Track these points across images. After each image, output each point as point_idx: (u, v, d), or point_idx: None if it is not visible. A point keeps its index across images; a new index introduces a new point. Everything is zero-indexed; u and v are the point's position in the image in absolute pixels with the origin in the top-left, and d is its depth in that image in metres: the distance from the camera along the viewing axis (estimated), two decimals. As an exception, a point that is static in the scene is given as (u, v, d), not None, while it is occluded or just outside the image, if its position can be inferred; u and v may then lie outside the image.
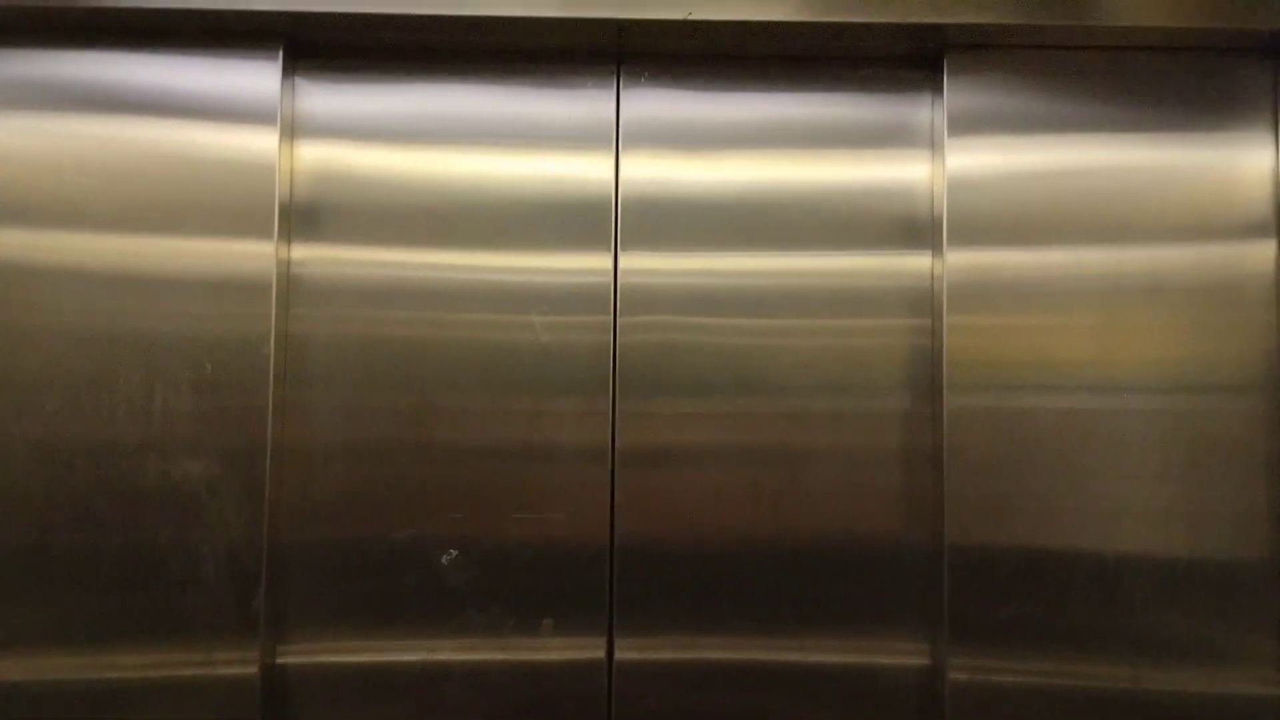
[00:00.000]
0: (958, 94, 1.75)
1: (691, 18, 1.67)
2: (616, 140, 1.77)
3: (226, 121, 1.69)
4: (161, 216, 1.67)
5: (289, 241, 1.72)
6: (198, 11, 1.65)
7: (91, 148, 1.68)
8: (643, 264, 1.75)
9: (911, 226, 1.78)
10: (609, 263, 1.74)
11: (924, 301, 1.76)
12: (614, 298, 1.74)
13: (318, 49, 1.75)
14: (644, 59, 1.78)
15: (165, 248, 1.67)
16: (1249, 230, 1.74)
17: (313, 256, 1.73)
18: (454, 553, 1.70)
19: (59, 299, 1.66)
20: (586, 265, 1.75)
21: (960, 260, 1.72)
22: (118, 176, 1.68)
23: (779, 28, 1.69)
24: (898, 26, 1.69)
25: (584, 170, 1.76)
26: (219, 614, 1.64)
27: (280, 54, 1.70)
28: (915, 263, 1.77)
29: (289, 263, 1.72)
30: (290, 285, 1.72)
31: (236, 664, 1.63)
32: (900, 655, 1.73)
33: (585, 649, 1.70)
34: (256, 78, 1.70)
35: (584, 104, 1.78)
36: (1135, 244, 1.73)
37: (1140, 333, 1.72)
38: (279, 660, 1.69)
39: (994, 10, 1.68)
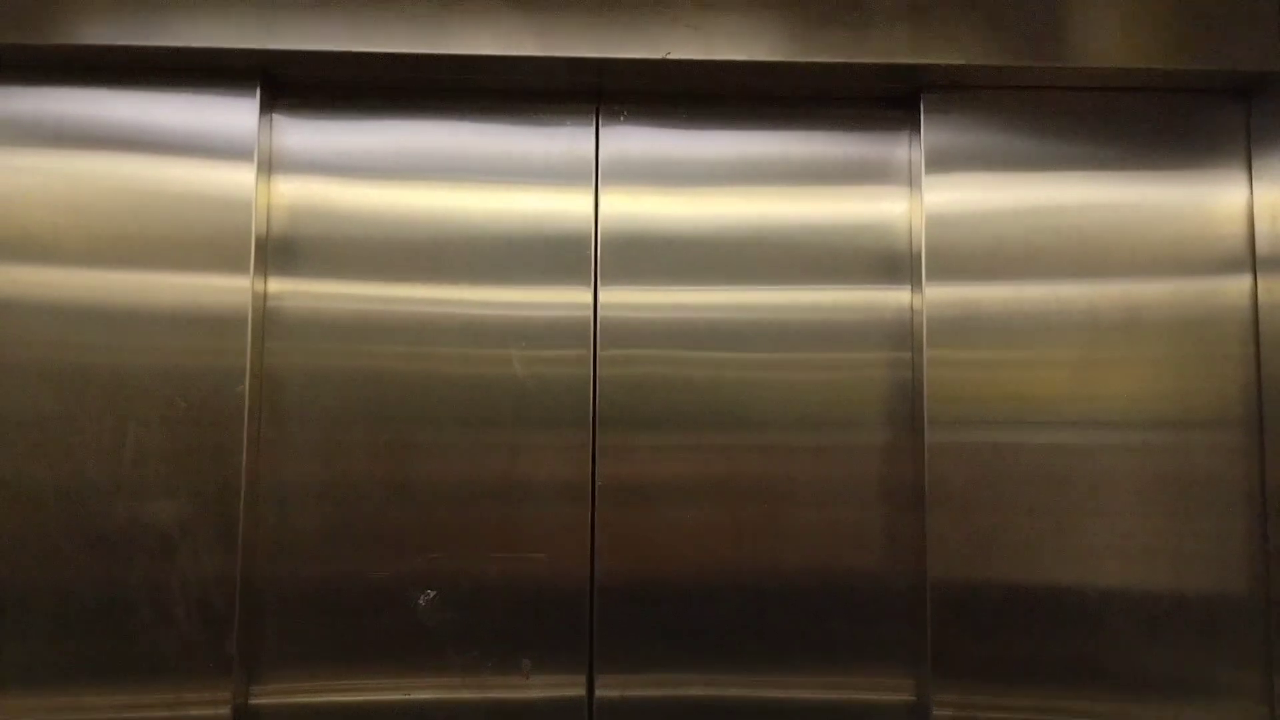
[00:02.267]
0: (935, 132, 1.76)
1: (670, 57, 1.68)
2: (596, 177, 1.78)
3: (204, 157, 1.69)
4: (137, 251, 1.66)
5: (265, 276, 1.71)
6: (175, 49, 1.65)
7: (67, 183, 1.67)
8: (622, 298, 1.75)
9: (890, 262, 1.78)
10: (589, 297, 1.74)
11: (904, 336, 1.77)
12: (594, 332, 1.74)
13: (295, 86, 1.75)
14: (623, 97, 1.79)
15: (141, 282, 1.66)
16: (1225, 265, 1.76)
17: (289, 291, 1.72)
18: (431, 593, 1.68)
19: (31, 334, 1.64)
20: (566, 299, 1.74)
21: (939, 295, 1.73)
22: (94, 211, 1.67)
23: (757, 68, 1.70)
24: (875, 67, 1.71)
25: (564, 206, 1.77)
26: (191, 654, 1.61)
27: (258, 91, 1.70)
28: (894, 297, 1.78)
29: (265, 297, 1.71)
30: (266, 320, 1.71)
31: (209, 704, 1.60)
32: (884, 692, 1.72)
33: (565, 687, 1.68)
34: (234, 114, 1.70)
35: (563, 141, 1.78)
36: (1113, 279, 1.75)
37: (1119, 367, 1.73)
38: (252, 700, 1.66)
39: (969, 52, 1.70)
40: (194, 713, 1.60)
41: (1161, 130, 1.78)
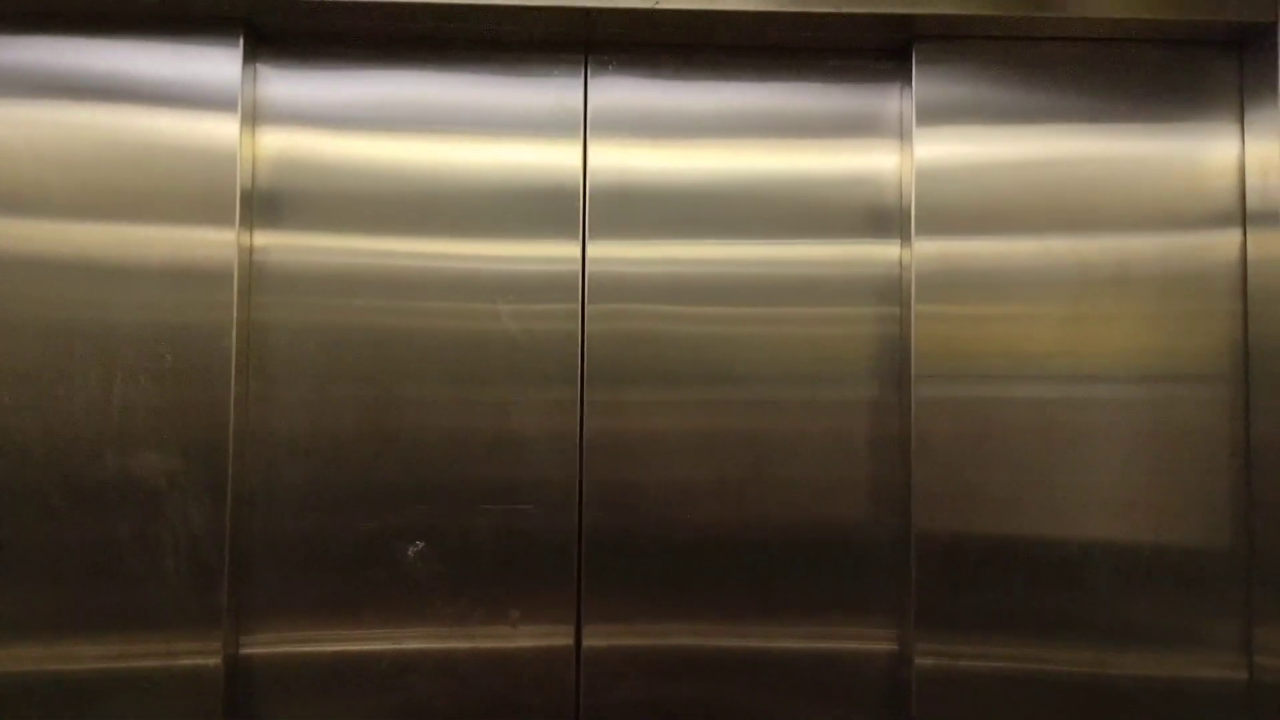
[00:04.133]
0: (926, 84, 1.75)
1: (659, 7, 1.66)
2: (584, 129, 1.76)
3: (186, 108, 1.66)
4: (120, 204, 1.65)
5: (251, 229, 1.70)
6: (157, -2, 1.63)
7: (48, 134, 1.65)
8: (611, 252, 1.74)
9: (880, 216, 1.78)
10: (577, 251, 1.74)
11: (892, 290, 1.76)
12: (582, 286, 1.73)
13: (279, 35, 1.73)
14: (612, 48, 1.77)
15: (124, 236, 1.65)
16: (1215, 220, 1.76)
17: (275, 244, 1.71)
18: (420, 544, 1.69)
19: (14, 288, 1.63)
20: (554, 253, 1.74)
21: (928, 249, 1.72)
22: (75, 164, 1.65)
23: (747, 17, 1.68)
24: (866, 17, 1.68)
25: (551, 159, 1.75)
26: (182, 604, 1.62)
27: (241, 40, 1.67)
28: (883, 252, 1.77)
29: (251, 250, 1.70)
30: (253, 274, 1.70)
31: (200, 654, 1.62)
32: (867, 641, 1.74)
33: (553, 636, 1.70)
34: (217, 64, 1.67)
35: (551, 93, 1.76)
36: (1103, 234, 1.74)
37: (1107, 322, 1.74)
38: (242, 650, 1.68)
39: (962, 1, 1.68)
40: (185, 662, 1.62)
41: (1154, 83, 1.76)
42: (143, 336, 1.63)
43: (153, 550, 1.62)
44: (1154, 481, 1.72)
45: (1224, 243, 1.75)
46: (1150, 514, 1.72)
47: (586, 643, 1.71)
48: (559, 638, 1.70)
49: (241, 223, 1.67)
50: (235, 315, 1.65)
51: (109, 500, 1.62)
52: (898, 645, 1.74)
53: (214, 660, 1.62)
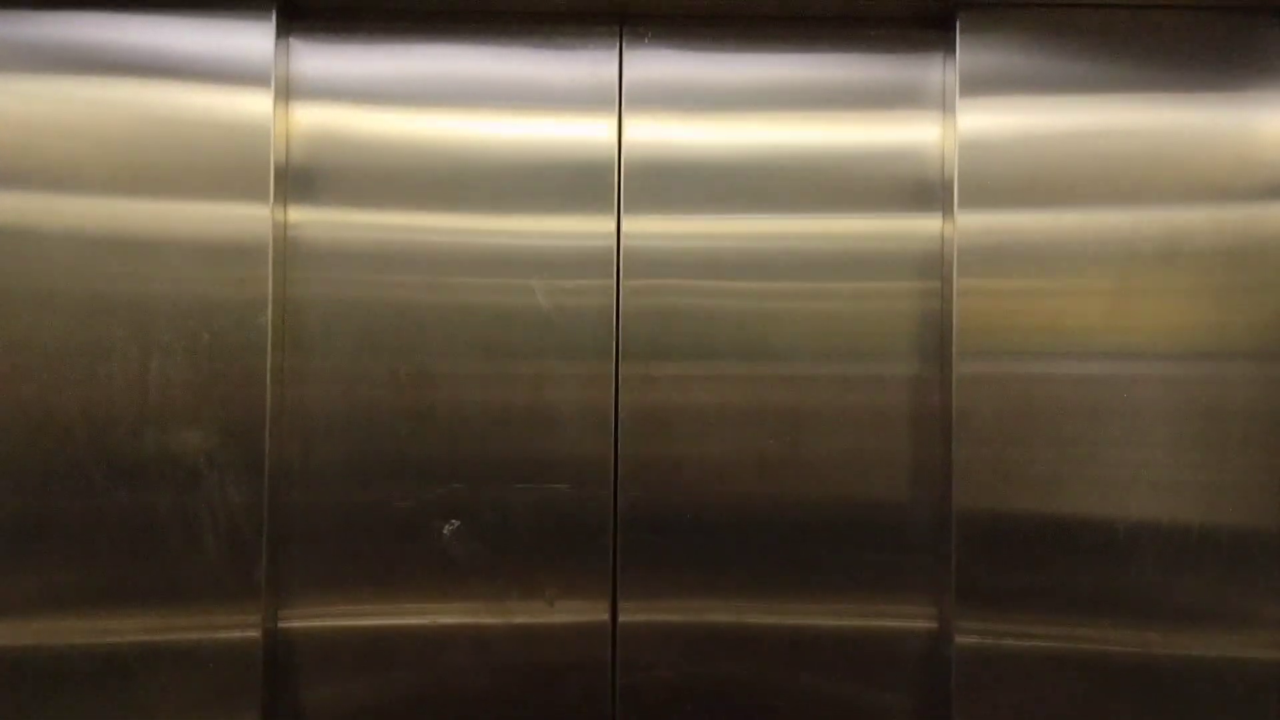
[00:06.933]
0: (970, 54, 1.71)
1: (695, -24, 1.64)
2: (619, 102, 1.74)
3: (220, 83, 1.66)
4: (154, 180, 1.65)
5: (285, 205, 1.70)
6: (191, -28, 1.62)
7: (83, 110, 1.65)
8: (646, 227, 1.72)
9: (921, 189, 1.74)
10: (612, 226, 1.72)
11: (933, 265, 1.73)
12: (617, 261, 1.71)
13: (311, 10, 1.71)
14: (647, 19, 1.74)
15: (159, 212, 1.65)
16: (1269, 192, 1.71)
17: (310, 220, 1.71)
18: (455, 523, 1.69)
19: (52, 264, 1.64)
20: (589, 229, 1.72)
21: (971, 223, 1.69)
22: (109, 140, 1.65)
23: (786, -14, 1.65)
24: (909, -16, 1.65)
25: (586, 132, 1.73)
26: (221, 579, 1.63)
27: (274, 15, 1.66)
28: (925, 225, 1.74)
29: (285, 226, 1.70)
30: (287, 249, 1.70)
31: (239, 627, 1.63)
32: (907, 619, 1.73)
33: (589, 612, 1.70)
34: (250, 39, 1.66)
35: (586, 65, 1.74)
36: (1152, 207, 1.70)
37: (1156, 297, 1.70)
38: (280, 625, 1.69)
39: (1008, -34, 1.64)
40: (224, 635, 1.63)
41: (1203, 51, 1.71)
42: (180, 312, 1.64)
43: (192, 525, 1.63)
44: (1202, 461, 1.68)
45: (1277, 216, 1.70)
46: (1198, 494, 1.68)
47: (622, 619, 1.70)
48: (595, 613, 1.70)
49: (276, 198, 1.66)
50: (271, 291, 1.64)
51: (148, 476, 1.63)
52: (938, 624, 1.72)
53: (253, 634, 1.63)
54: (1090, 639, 1.68)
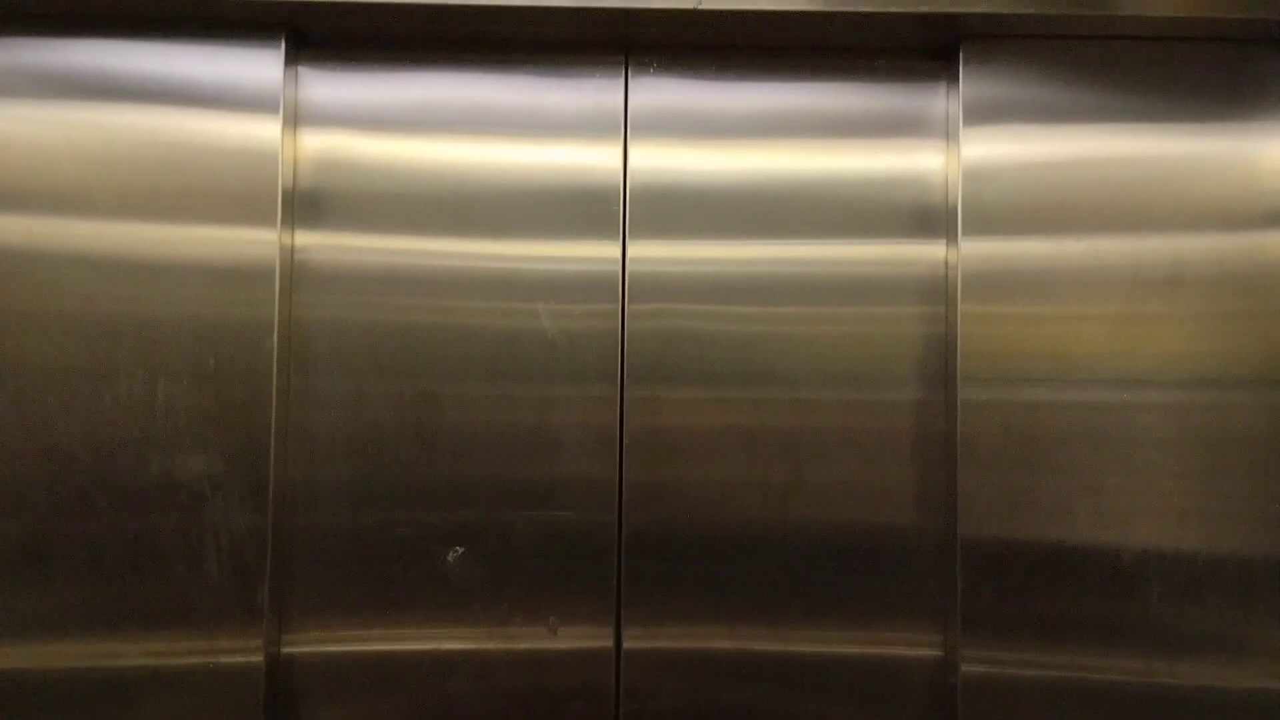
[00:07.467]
0: (973, 84, 1.72)
1: (701, 7, 1.65)
2: (625, 130, 1.75)
3: (229, 109, 1.67)
4: (163, 204, 1.66)
5: (292, 229, 1.71)
6: (201, 1, 1.64)
7: (93, 136, 1.67)
8: (651, 252, 1.73)
9: (925, 216, 1.75)
10: (617, 251, 1.73)
11: (937, 291, 1.74)
12: (622, 286, 1.72)
13: (321, 38, 1.73)
14: (652, 49, 1.76)
15: (167, 236, 1.66)
16: (1271, 220, 1.71)
17: (317, 244, 1.72)
18: (459, 550, 1.68)
19: (60, 288, 1.65)
20: (595, 254, 1.73)
21: (975, 249, 1.70)
22: (119, 164, 1.67)
23: (790, 17, 1.66)
24: (912, 16, 1.66)
25: (592, 159, 1.74)
26: (224, 604, 1.63)
27: (283, 42, 1.68)
28: (928, 252, 1.75)
29: (293, 250, 1.71)
30: (294, 273, 1.70)
31: (242, 652, 1.63)
32: (912, 647, 1.72)
33: (593, 638, 1.69)
34: (259, 66, 1.68)
35: (591, 94, 1.76)
36: (1155, 234, 1.70)
37: (1159, 324, 1.70)
38: (284, 649, 1.68)
39: (1010, 0, 1.66)
40: (227, 660, 1.62)
41: (1206, 81, 1.73)
42: (186, 335, 1.64)
43: (195, 549, 1.63)
44: (1207, 489, 1.68)
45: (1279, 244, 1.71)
46: (1204, 522, 1.68)
47: (626, 646, 1.69)
48: (599, 639, 1.69)
49: (283, 222, 1.67)
50: (277, 314, 1.65)
51: (152, 499, 1.63)
52: (943, 651, 1.71)
53: (256, 658, 1.63)
54: (1096, 668, 1.67)
